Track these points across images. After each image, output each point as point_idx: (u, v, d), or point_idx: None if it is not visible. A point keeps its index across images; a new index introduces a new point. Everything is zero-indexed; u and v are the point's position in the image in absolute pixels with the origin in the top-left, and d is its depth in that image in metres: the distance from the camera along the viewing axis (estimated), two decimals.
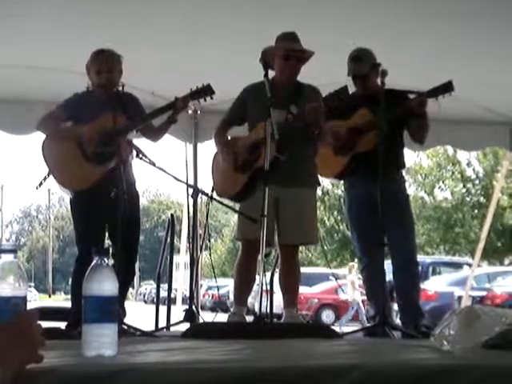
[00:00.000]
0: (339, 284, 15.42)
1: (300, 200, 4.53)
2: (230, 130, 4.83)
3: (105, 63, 4.57)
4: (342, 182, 5.22)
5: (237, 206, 4.74)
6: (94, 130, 4.55)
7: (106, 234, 4.67)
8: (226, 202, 4.89)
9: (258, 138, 4.38)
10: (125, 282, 4.41)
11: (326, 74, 4.95)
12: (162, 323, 4.97)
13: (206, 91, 4.66)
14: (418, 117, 4.67)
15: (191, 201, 4.62)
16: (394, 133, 4.70)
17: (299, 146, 4.49)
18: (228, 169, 4.64)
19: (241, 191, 4.60)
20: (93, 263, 1.87)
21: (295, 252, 4.69)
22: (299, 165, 4.50)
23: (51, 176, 4.64)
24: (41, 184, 4.68)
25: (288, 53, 4.51)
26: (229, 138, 4.79)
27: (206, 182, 4.84)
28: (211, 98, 4.71)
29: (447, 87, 4.51)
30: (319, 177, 4.80)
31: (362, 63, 4.72)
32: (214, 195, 4.63)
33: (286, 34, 4.55)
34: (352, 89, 4.79)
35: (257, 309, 4.06)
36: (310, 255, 32.06)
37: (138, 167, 4.71)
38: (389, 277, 4.83)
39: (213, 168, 4.79)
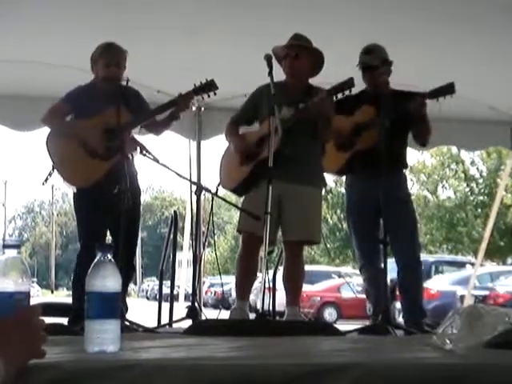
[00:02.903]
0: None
1: (304, 198, 4.52)
2: (240, 128, 4.84)
3: (114, 56, 4.57)
4: (343, 179, 5.21)
5: (241, 200, 4.75)
6: (98, 127, 4.55)
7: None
8: (229, 198, 4.89)
9: (264, 132, 4.40)
10: (126, 277, 4.42)
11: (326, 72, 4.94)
12: (165, 320, 4.98)
13: (210, 87, 4.64)
14: (418, 120, 4.63)
15: (194, 198, 4.63)
16: (397, 132, 4.64)
17: (305, 143, 4.49)
18: (235, 163, 4.65)
19: (242, 183, 4.61)
20: (96, 259, 1.87)
21: (299, 250, 4.67)
22: (304, 162, 4.50)
23: (56, 171, 4.64)
24: (47, 179, 4.67)
25: (286, 51, 4.55)
26: (239, 133, 4.81)
27: (210, 179, 4.85)
28: (215, 94, 4.70)
29: (448, 89, 4.43)
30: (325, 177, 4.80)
31: (373, 55, 4.70)
32: (218, 191, 4.64)
33: (292, 35, 4.58)
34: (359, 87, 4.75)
35: (259, 306, 4.06)
36: (312, 253, 32.09)
37: (141, 164, 4.72)
38: (391, 275, 4.83)
39: (221, 164, 4.79)
